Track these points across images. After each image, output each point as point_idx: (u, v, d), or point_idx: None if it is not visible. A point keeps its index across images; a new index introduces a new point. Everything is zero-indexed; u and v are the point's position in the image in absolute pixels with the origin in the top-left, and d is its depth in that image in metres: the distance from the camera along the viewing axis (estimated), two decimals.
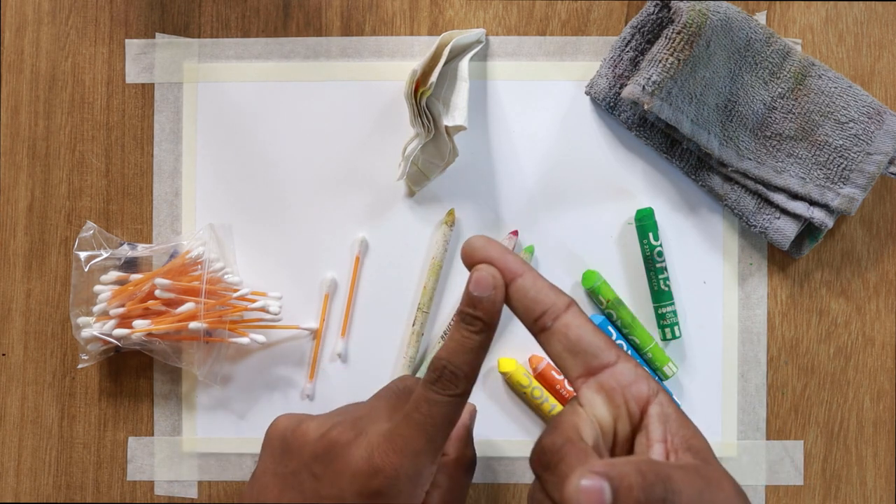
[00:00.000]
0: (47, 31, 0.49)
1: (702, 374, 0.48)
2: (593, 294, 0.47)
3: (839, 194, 0.45)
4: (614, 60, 0.47)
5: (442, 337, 0.48)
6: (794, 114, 0.46)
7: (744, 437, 0.48)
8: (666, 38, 0.43)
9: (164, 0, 0.49)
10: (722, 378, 0.48)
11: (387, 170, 0.48)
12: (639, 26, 0.46)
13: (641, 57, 0.46)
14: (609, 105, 0.47)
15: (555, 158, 0.48)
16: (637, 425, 0.29)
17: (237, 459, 0.49)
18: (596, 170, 0.48)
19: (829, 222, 0.45)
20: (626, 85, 0.46)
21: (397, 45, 0.48)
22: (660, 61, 0.43)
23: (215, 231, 0.48)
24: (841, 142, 0.45)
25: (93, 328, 0.45)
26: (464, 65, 0.46)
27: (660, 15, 0.45)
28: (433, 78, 0.43)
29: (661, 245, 0.47)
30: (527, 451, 0.44)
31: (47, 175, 0.49)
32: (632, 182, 0.48)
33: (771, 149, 0.46)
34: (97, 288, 0.46)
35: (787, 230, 0.46)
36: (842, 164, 0.45)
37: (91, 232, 0.47)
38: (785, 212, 0.46)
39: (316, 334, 0.48)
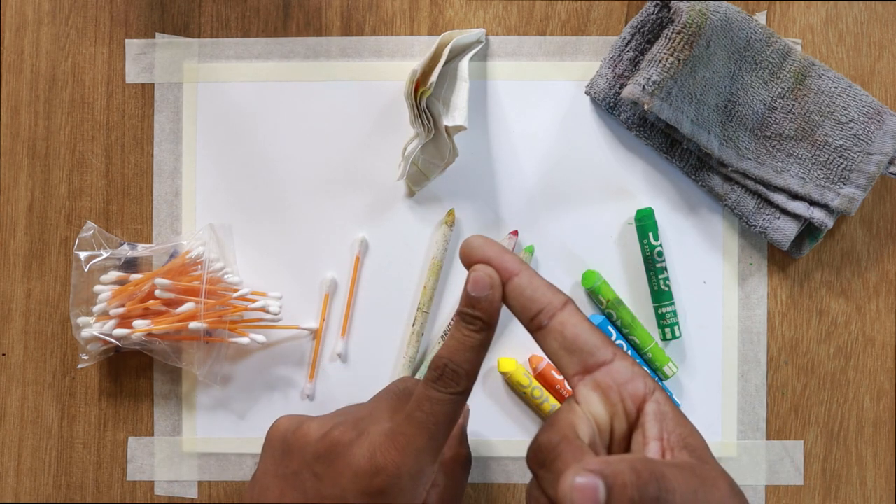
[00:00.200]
0: (47, 31, 0.49)
1: (702, 374, 0.48)
2: (593, 294, 0.47)
3: (839, 194, 0.45)
4: (614, 60, 0.47)
5: (442, 337, 0.48)
6: (794, 114, 0.46)
7: (744, 437, 0.48)
8: (666, 38, 0.43)
9: (164, 0, 0.49)
10: (722, 378, 0.48)
11: (387, 170, 0.48)
12: (639, 26, 0.46)
13: (641, 57, 0.46)
14: (609, 105, 0.47)
15: (555, 158, 0.48)
16: (634, 423, 0.29)
17: (237, 459, 0.49)
18: (596, 170, 0.48)
19: (829, 222, 0.45)
20: (626, 85, 0.46)
21: (397, 45, 0.48)
22: (660, 61, 0.43)
23: (215, 231, 0.48)
24: (841, 142, 0.45)
25: (93, 328, 0.45)
26: (464, 65, 0.46)
27: (660, 15, 0.45)
28: (433, 78, 0.43)
29: (661, 245, 0.47)
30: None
31: (47, 175, 0.49)
32: (632, 182, 0.48)
33: (771, 149, 0.46)
34: (97, 288, 0.46)
35: (787, 230, 0.46)
36: (842, 164, 0.45)
37: (91, 232, 0.47)
38: (785, 212, 0.46)
39: (316, 334, 0.48)
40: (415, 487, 0.31)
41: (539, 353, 0.48)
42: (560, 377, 0.47)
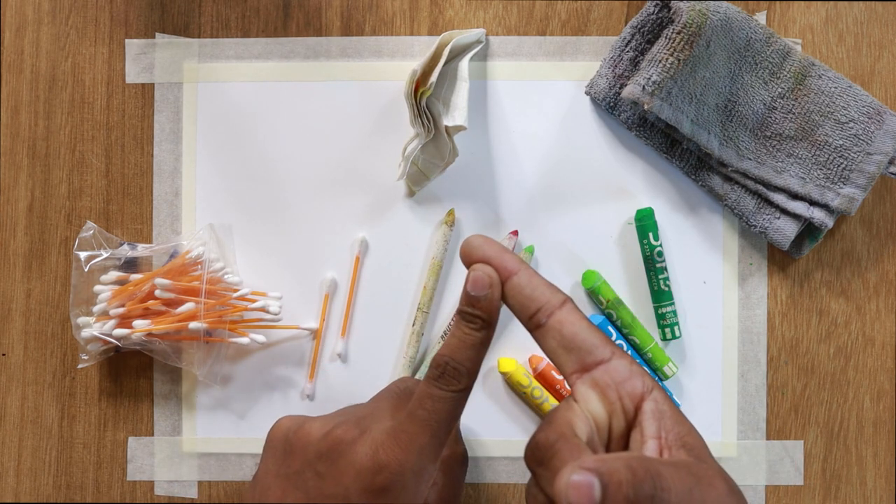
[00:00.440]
0: (47, 31, 0.49)
1: (702, 374, 0.48)
2: (593, 294, 0.47)
3: (839, 194, 0.45)
4: (614, 60, 0.47)
5: (442, 337, 0.48)
6: (794, 114, 0.46)
7: (744, 437, 0.48)
8: (666, 38, 0.43)
9: (164, 0, 0.49)
10: (722, 378, 0.48)
11: (387, 170, 0.48)
12: (639, 26, 0.46)
13: (641, 57, 0.46)
14: (609, 105, 0.47)
15: (555, 158, 0.48)
16: (632, 421, 0.29)
17: (237, 459, 0.49)
18: (596, 170, 0.48)
19: (829, 222, 0.45)
20: (626, 85, 0.46)
21: (397, 45, 0.48)
22: (660, 61, 0.43)
23: (215, 231, 0.48)
24: (841, 142, 0.45)
25: (93, 328, 0.45)
26: (464, 65, 0.46)
27: (660, 15, 0.45)
28: (433, 78, 0.43)
29: (661, 245, 0.47)
30: None
31: (47, 175, 0.49)
32: (632, 182, 0.48)
33: (771, 149, 0.46)
34: (97, 288, 0.46)
35: (787, 230, 0.46)
36: (842, 164, 0.45)
37: (91, 232, 0.47)
38: (785, 212, 0.46)
39: (316, 334, 0.48)
40: (417, 485, 0.31)
41: (539, 353, 0.48)
42: (560, 377, 0.47)
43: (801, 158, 0.46)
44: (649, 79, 0.43)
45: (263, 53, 0.49)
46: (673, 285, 0.48)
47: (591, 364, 0.29)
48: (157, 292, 0.44)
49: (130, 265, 0.48)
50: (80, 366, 0.47)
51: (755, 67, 0.45)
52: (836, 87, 0.45)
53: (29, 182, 0.49)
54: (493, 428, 0.48)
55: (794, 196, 0.46)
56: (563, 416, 0.29)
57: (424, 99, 0.44)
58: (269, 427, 0.37)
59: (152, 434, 0.49)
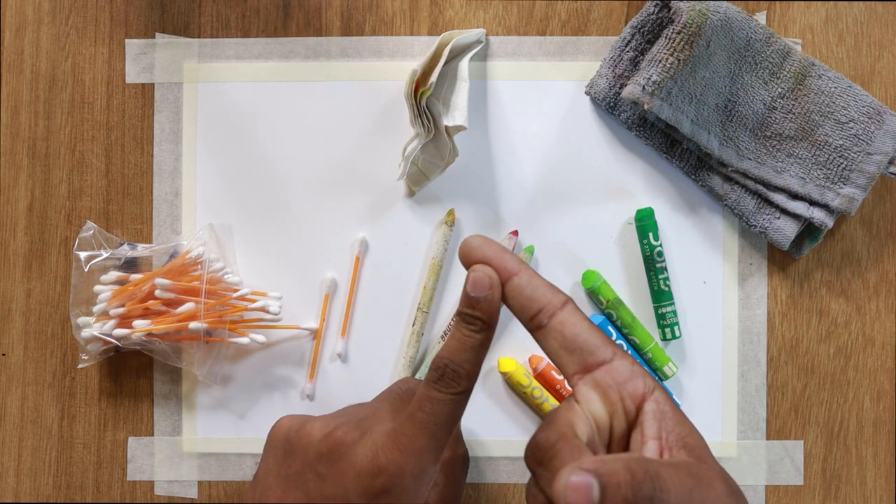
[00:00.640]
0: (47, 31, 0.49)
1: (702, 374, 0.48)
2: (593, 294, 0.47)
3: (839, 194, 0.45)
4: (614, 60, 0.47)
5: (442, 337, 0.48)
6: (794, 114, 0.46)
7: (744, 437, 0.48)
8: (666, 38, 0.43)
9: (164, 0, 0.49)
10: (722, 378, 0.48)
11: (387, 170, 0.48)
12: (639, 26, 0.46)
13: (641, 57, 0.46)
14: (609, 105, 0.47)
15: (555, 158, 0.48)
16: (633, 422, 0.29)
17: (237, 459, 0.49)
18: (596, 170, 0.48)
19: (829, 222, 0.45)
20: (626, 85, 0.46)
21: (397, 45, 0.48)
22: (660, 61, 0.43)
23: (215, 231, 0.48)
24: (841, 142, 0.45)
25: (93, 328, 0.45)
26: (464, 65, 0.46)
27: (660, 15, 0.45)
28: (433, 78, 0.43)
29: (661, 245, 0.47)
30: None
31: (47, 175, 0.49)
32: (632, 182, 0.48)
33: (771, 149, 0.46)
34: (97, 288, 0.46)
35: (787, 230, 0.46)
36: (842, 164, 0.45)
37: (91, 232, 0.47)
38: (785, 212, 0.46)
39: (316, 334, 0.48)
40: (417, 487, 0.31)
41: (539, 353, 0.48)
42: (560, 377, 0.47)
43: (801, 158, 0.46)
44: (649, 79, 0.43)
45: (263, 53, 0.48)
46: (673, 285, 0.48)
47: (593, 365, 0.29)
48: (157, 292, 0.44)
49: (130, 265, 0.48)
50: (80, 366, 0.47)
51: (755, 67, 0.45)
52: (836, 87, 0.45)
53: (29, 182, 0.49)
54: (493, 428, 0.48)
55: (794, 196, 0.46)
56: (563, 417, 0.29)
57: (424, 99, 0.44)
58: (270, 427, 0.37)
59: (152, 434, 0.49)
